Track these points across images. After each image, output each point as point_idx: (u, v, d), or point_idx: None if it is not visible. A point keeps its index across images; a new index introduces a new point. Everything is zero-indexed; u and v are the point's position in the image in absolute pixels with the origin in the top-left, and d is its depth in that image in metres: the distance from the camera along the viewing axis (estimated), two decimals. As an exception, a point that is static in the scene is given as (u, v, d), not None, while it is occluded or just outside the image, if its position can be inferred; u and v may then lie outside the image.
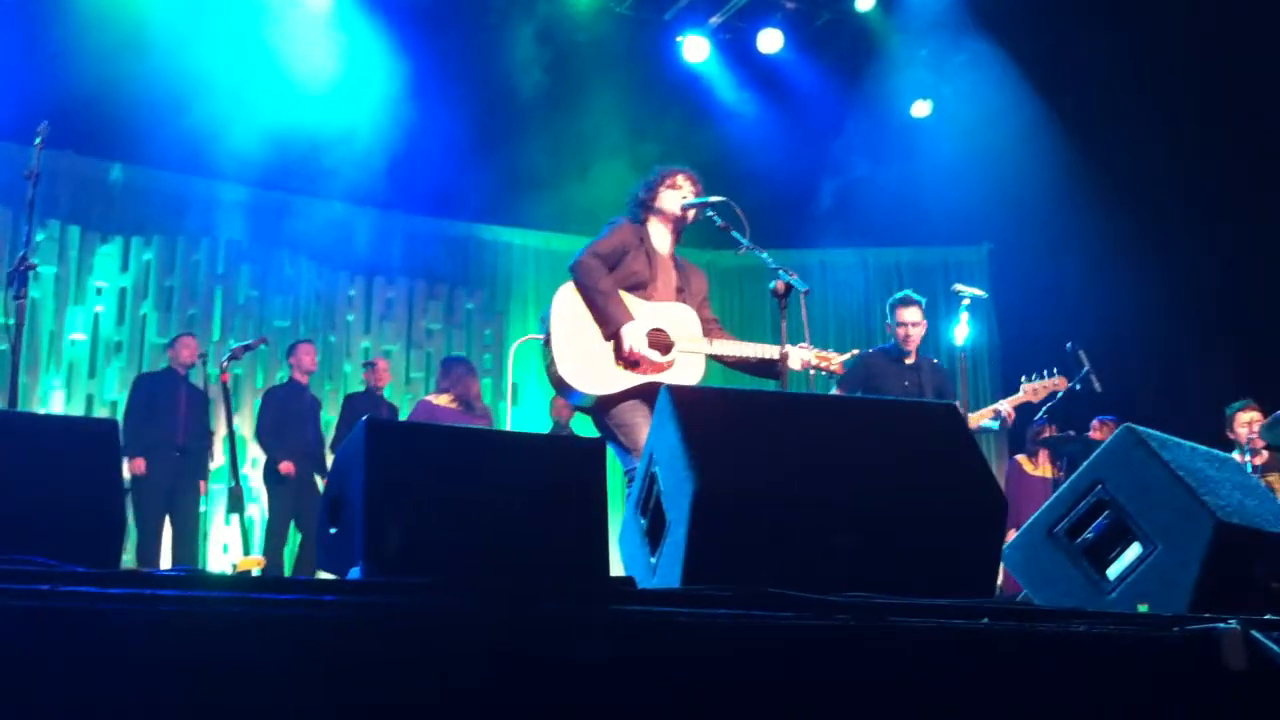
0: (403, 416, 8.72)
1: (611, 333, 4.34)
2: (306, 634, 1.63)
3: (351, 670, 1.63)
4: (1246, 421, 6.92)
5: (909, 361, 6.24)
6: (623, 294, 4.43)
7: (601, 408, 4.34)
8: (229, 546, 8.59)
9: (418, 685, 1.66)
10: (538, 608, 1.78)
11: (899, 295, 6.44)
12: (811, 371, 4.65)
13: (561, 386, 4.36)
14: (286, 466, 8.03)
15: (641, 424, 4.19)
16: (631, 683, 1.75)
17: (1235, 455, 6.72)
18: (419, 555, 2.41)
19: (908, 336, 6.22)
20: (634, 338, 4.32)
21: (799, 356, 4.48)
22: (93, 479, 2.73)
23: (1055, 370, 6.54)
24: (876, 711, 1.87)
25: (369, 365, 8.91)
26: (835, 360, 4.71)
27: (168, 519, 7.69)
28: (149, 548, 7.55)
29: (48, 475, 2.65)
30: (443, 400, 7.87)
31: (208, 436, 7.98)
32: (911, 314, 6.25)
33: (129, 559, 7.47)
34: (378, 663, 1.64)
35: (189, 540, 7.67)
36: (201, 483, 7.89)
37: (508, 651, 1.71)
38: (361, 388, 9.04)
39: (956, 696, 1.91)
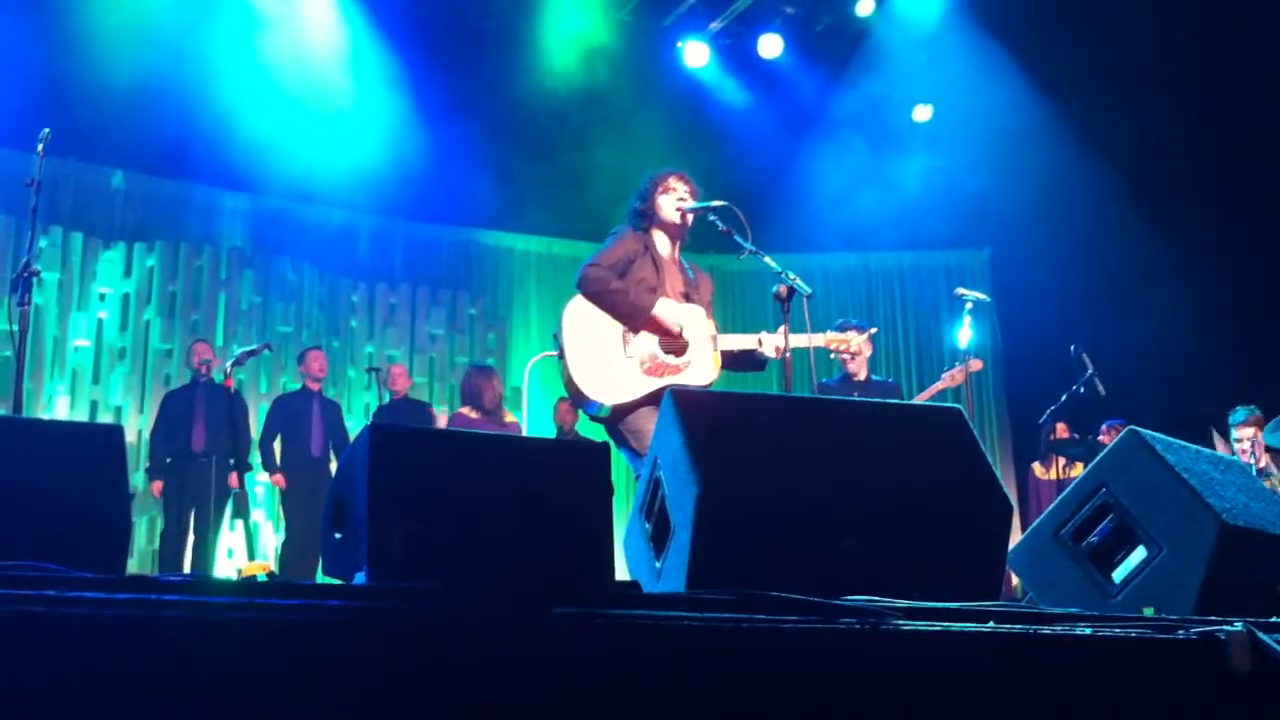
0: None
1: (643, 321, 4.35)
2: (311, 639, 1.63)
3: (356, 676, 1.63)
4: (1240, 438, 6.84)
5: (859, 379, 6.34)
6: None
7: (616, 416, 4.34)
8: (234, 551, 8.59)
9: (422, 690, 1.65)
10: (542, 612, 1.78)
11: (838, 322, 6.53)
12: (832, 353, 4.67)
13: (580, 399, 4.37)
14: (277, 480, 8.03)
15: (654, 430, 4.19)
16: (637, 687, 1.75)
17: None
18: (423, 560, 2.41)
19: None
20: (671, 311, 4.37)
21: (772, 343, 4.48)
22: (97, 484, 2.73)
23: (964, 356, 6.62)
24: (883, 715, 1.86)
25: (374, 371, 8.82)
26: (854, 342, 4.73)
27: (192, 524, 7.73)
28: (172, 553, 7.60)
29: (52, 481, 2.65)
30: (469, 413, 7.75)
31: (232, 436, 7.72)
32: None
33: (135, 564, 7.49)
34: (382, 668, 1.64)
35: (204, 545, 7.68)
36: (232, 475, 7.76)
37: (513, 656, 1.71)
38: (372, 395, 9.02)
39: (962, 700, 1.91)
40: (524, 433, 8.09)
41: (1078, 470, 7.94)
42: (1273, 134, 8.28)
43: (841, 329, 6.21)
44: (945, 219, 10.44)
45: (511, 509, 2.57)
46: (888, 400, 6.23)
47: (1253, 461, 6.70)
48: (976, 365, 6.75)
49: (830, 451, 2.77)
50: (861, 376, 6.43)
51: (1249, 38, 8.18)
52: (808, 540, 2.59)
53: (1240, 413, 6.95)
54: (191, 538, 7.73)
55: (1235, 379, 8.10)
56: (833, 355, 4.68)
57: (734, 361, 4.63)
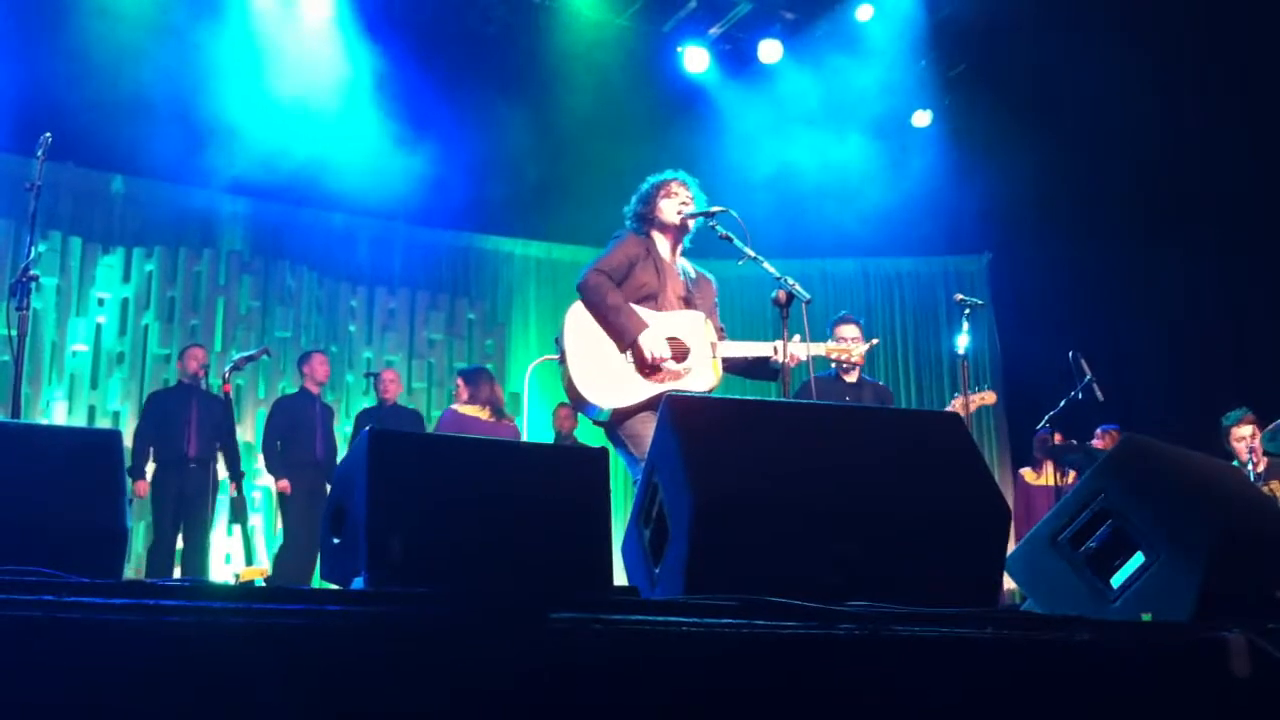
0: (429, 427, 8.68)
1: (628, 343, 4.33)
2: (309, 644, 1.63)
3: (354, 680, 1.63)
4: (1242, 437, 6.75)
5: (849, 380, 6.24)
6: (634, 307, 4.43)
7: (616, 420, 4.34)
8: (231, 557, 8.57)
9: (421, 695, 1.65)
10: (541, 618, 1.78)
11: (838, 314, 6.39)
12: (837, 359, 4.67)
13: (580, 403, 4.37)
14: (283, 485, 8.02)
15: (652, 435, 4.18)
16: (635, 693, 1.75)
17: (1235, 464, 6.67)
18: (422, 565, 2.41)
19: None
20: (653, 344, 4.32)
21: (789, 350, 4.47)
22: (95, 489, 2.73)
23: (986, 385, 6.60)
24: (880, 721, 1.86)
25: (373, 376, 8.82)
26: (856, 351, 4.74)
27: (181, 529, 7.69)
28: (162, 558, 7.56)
29: (50, 486, 2.65)
30: (472, 410, 7.68)
31: (227, 443, 7.64)
32: (843, 331, 6.09)
33: (132, 569, 7.47)
34: (380, 673, 1.64)
35: (199, 550, 7.65)
36: (234, 484, 7.76)
37: (511, 661, 1.70)
38: (371, 401, 9.00)
39: (961, 706, 1.91)
40: (523, 437, 8.06)
41: (1071, 477, 7.92)
42: (1273, 136, 8.28)
43: (841, 321, 6.17)
44: (944, 224, 10.45)
45: (510, 514, 2.57)
46: (883, 405, 6.23)
47: (1251, 464, 6.64)
48: (989, 398, 6.65)
49: (828, 457, 2.76)
50: (853, 378, 6.36)
51: (1256, 39, 8.16)
52: (806, 546, 2.59)
53: (1233, 415, 6.86)
54: (181, 543, 7.71)
55: (1234, 383, 8.09)
56: (833, 364, 4.69)
57: (748, 369, 4.63)
